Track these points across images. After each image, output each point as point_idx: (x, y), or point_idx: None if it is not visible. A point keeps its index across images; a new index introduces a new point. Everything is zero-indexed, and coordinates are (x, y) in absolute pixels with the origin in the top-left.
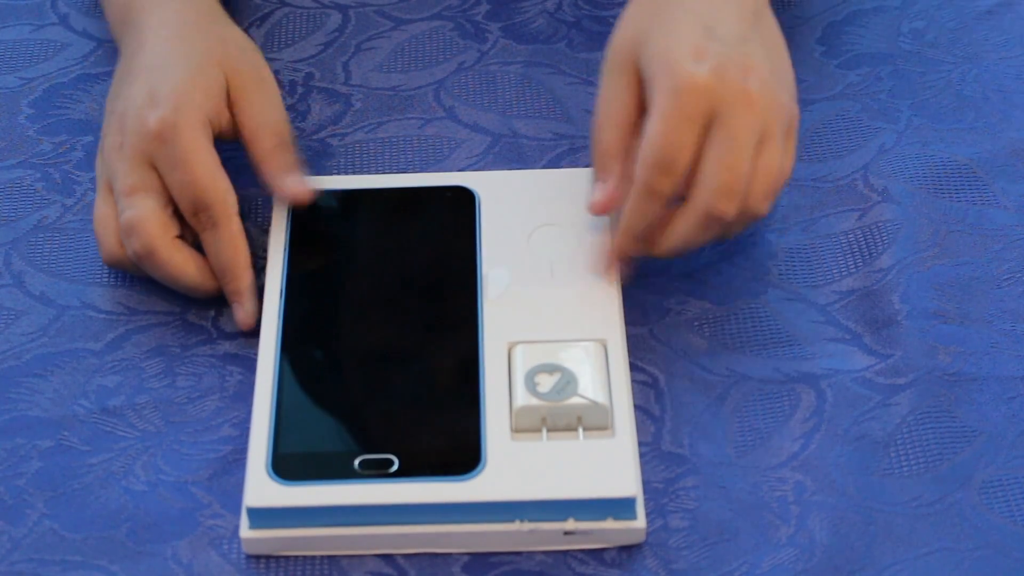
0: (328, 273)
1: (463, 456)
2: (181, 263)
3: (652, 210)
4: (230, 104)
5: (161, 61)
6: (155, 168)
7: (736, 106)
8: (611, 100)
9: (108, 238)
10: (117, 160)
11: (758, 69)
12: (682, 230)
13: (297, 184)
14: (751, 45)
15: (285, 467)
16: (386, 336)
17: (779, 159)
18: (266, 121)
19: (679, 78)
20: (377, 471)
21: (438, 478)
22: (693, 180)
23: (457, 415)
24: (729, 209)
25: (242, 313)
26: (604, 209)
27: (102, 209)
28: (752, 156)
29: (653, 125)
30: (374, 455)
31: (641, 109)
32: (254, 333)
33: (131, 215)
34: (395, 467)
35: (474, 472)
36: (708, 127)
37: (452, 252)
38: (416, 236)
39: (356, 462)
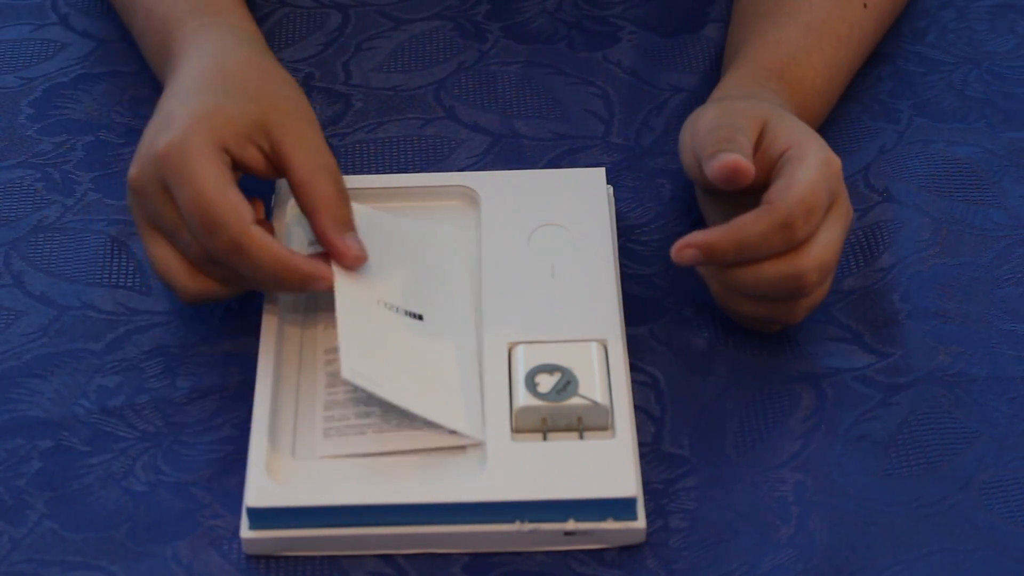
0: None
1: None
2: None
3: (768, 243)
4: (274, 142)
5: (188, 87)
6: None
7: (844, 201)
8: (741, 130)
9: (178, 277)
10: (137, 194)
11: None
12: (766, 277)
13: (357, 247)
14: None
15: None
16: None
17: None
18: (323, 164)
19: (828, 152)
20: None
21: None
22: (802, 246)
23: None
24: (814, 280)
25: (326, 283)
26: (737, 172)
27: (156, 250)
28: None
29: (808, 172)
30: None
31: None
32: (254, 333)
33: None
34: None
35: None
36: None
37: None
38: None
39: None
